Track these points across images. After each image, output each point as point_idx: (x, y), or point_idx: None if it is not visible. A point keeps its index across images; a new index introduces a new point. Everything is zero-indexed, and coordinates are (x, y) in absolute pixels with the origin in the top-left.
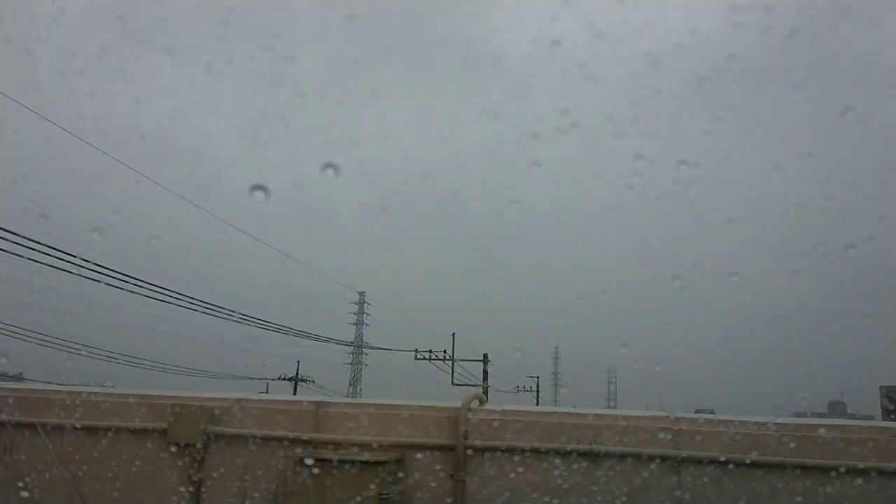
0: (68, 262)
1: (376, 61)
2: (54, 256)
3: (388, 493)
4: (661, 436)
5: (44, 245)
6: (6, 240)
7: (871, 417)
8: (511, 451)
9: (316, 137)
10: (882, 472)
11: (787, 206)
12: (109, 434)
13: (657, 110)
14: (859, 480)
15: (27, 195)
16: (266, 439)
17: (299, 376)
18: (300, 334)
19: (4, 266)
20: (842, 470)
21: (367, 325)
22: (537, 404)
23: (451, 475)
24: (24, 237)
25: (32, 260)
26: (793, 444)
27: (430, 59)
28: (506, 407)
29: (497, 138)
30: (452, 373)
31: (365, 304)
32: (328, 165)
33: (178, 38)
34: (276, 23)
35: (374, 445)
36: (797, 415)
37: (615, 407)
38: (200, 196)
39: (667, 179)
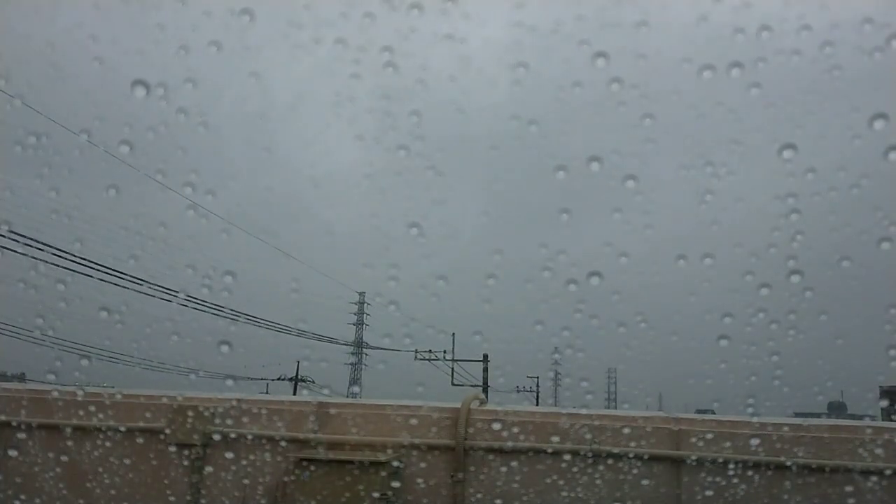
0: (68, 259)
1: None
2: (53, 254)
3: (387, 493)
4: (661, 436)
5: (40, 242)
6: (3, 236)
7: (872, 417)
8: (510, 451)
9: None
10: (883, 473)
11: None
12: (109, 434)
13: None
14: (860, 480)
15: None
16: (266, 439)
17: (299, 376)
18: (301, 334)
19: (4, 266)
20: (842, 470)
21: (367, 325)
22: (537, 405)
23: (451, 475)
24: (23, 235)
25: (33, 258)
26: (793, 445)
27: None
28: (506, 407)
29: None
30: (452, 373)
31: (365, 304)
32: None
33: None
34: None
35: (375, 445)
36: (797, 415)
37: (615, 407)
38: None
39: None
